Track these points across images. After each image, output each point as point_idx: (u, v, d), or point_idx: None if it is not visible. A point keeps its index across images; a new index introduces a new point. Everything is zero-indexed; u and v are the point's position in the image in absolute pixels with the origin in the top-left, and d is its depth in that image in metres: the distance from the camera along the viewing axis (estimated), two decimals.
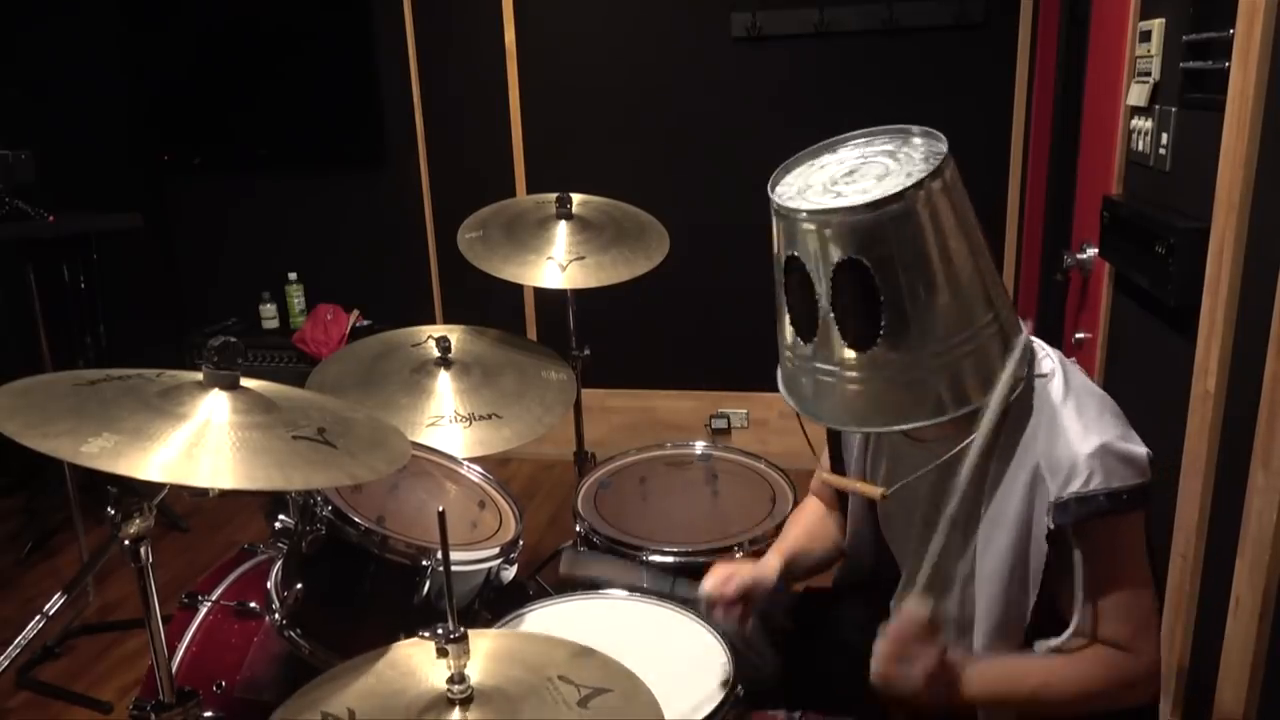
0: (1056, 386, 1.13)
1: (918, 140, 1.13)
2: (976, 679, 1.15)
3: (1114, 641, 1.13)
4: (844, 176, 1.11)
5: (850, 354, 1.09)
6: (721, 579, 1.41)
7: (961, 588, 1.24)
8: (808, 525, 1.55)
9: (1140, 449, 1.11)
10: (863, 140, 1.17)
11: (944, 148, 1.08)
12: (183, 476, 0.98)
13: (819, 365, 1.12)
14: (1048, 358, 1.17)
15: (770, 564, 1.45)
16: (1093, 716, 1.17)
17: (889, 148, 1.13)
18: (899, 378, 1.08)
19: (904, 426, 1.12)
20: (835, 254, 1.05)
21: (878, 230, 1.03)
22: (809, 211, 1.06)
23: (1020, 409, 1.14)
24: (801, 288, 1.10)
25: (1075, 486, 1.07)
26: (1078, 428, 1.09)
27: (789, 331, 1.16)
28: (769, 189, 1.15)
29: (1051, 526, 1.08)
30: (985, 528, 1.17)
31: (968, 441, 1.11)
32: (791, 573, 1.47)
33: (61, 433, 0.97)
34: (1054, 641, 1.14)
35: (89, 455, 0.95)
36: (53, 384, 1.10)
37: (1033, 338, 1.20)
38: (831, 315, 1.08)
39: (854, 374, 1.10)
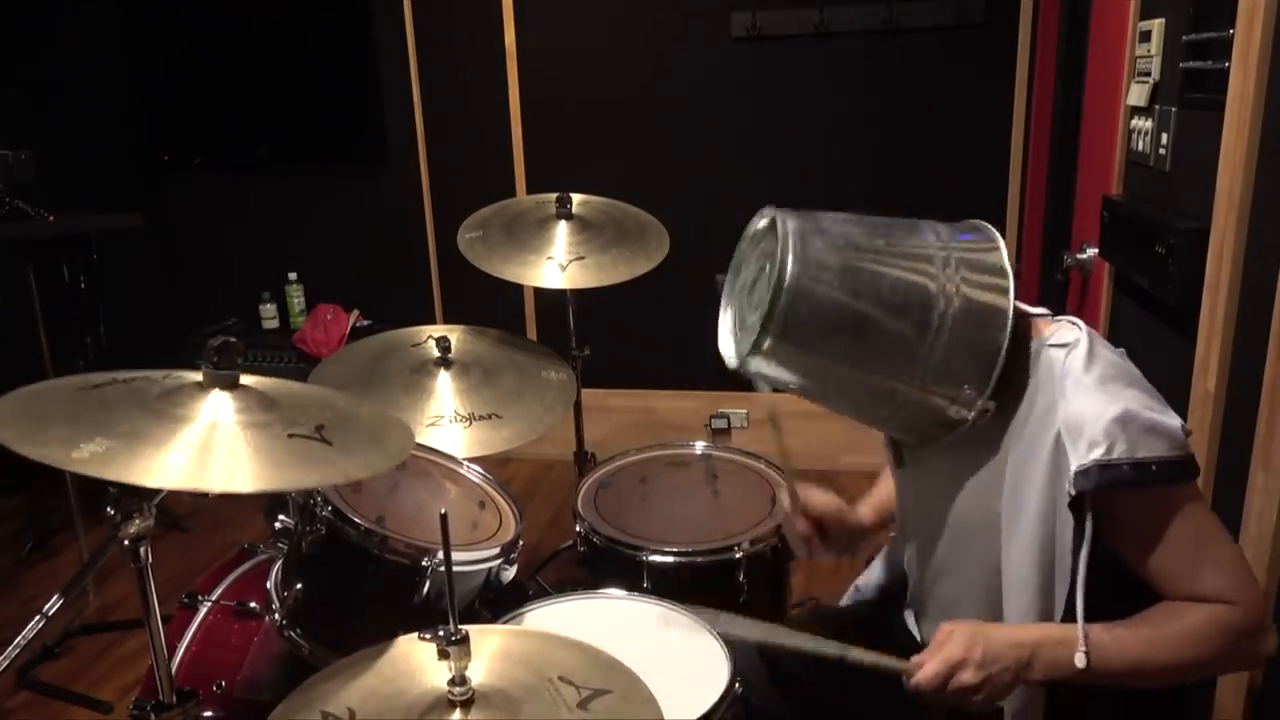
0: (1079, 355, 1.09)
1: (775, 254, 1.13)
2: (1059, 662, 1.06)
3: (1215, 596, 1.05)
4: (751, 291, 1.21)
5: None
6: (825, 503, 1.45)
7: (988, 574, 1.20)
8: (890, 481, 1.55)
9: (1170, 420, 1.05)
10: (758, 241, 1.24)
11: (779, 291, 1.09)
12: (173, 482, 0.98)
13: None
14: (1074, 329, 1.13)
15: (860, 511, 1.49)
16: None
17: (768, 261, 1.16)
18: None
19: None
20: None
21: (762, 374, 1.16)
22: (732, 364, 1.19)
23: (1040, 378, 1.11)
24: None
25: (1096, 454, 1.03)
26: (1099, 395, 1.05)
27: None
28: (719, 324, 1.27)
29: (1073, 493, 1.04)
30: (1009, 505, 1.14)
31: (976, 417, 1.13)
32: (880, 522, 1.51)
33: (54, 439, 0.97)
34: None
35: (80, 461, 0.95)
36: (57, 389, 1.10)
37: (1065, 316, 1.17)
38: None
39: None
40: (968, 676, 1.07)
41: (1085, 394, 1.06)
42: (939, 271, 1.10)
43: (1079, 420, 1.05)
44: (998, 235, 1.17)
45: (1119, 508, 1.06)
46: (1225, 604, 1.05)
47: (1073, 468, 1.05)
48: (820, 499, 1.45)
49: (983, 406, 1.11)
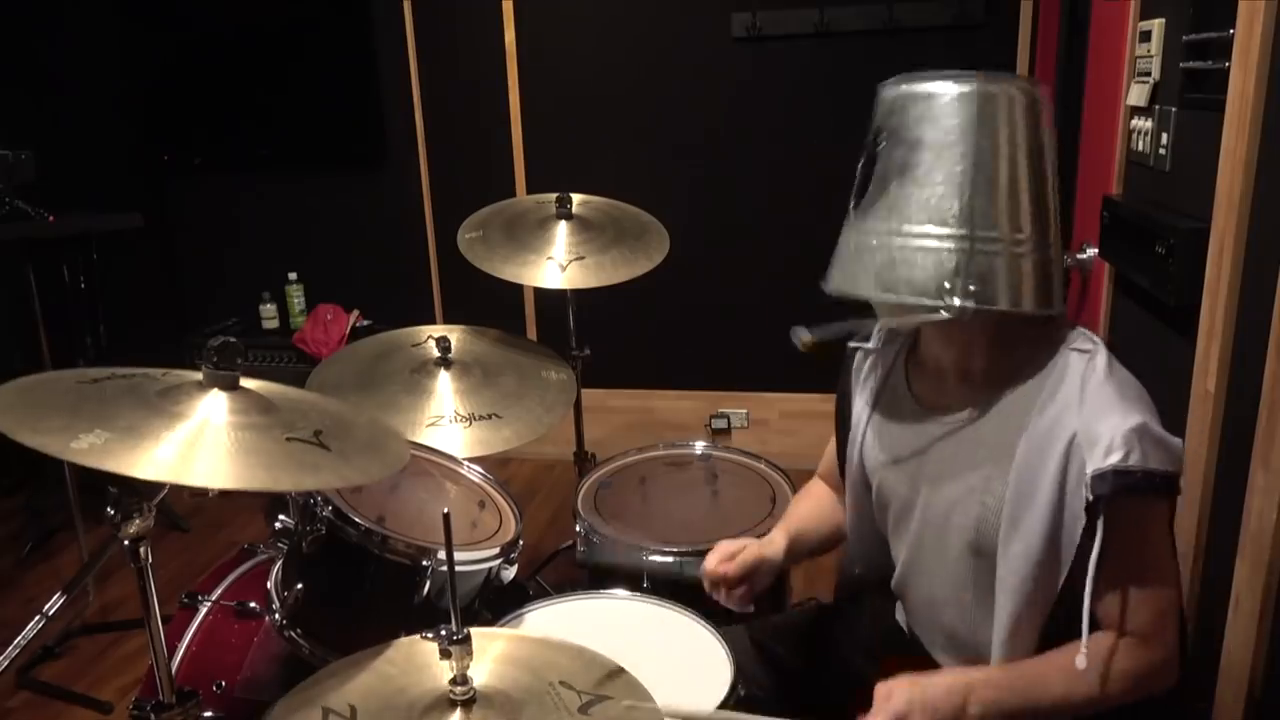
0: (1099, 364, 1.12)
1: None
2: (991, 702, 1.11)
3: (1136, 632, 1.11)
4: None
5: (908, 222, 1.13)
6: (724, 555, 1.40)
7: (973, 568, 1.21)
8: (812, 504, 1.54)
9: (1175, 439, 1.10)
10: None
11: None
12: (173, 475, 0.98)
13: (891, 234, 1.15)
14: (1090, 339, 1.16)
15: (776, 542, 1.44)
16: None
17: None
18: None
19: (888, 299, 1.15)
20: (937, 132, 1.13)
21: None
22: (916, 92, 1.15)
23: (1062, 377, 1.13)
24: (896, 154, 1.17)
25: (1115, 459, 1.05)
26: (1119, 404, 1.08)
27: (867, 211, 1.19)
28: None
29: (1090, 498, 1.06)
30: (1013, 502, 1.14)
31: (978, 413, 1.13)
32: (796, 551, 1.46)
33: (53, 429, 0.98)
34: (1079, 660, 1.11)
35: (78, 451, 0.95)
36: (56, 381, 1.10)
37: (1082, 328, 1.19)
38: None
39: (871, 234, 1.16)
40: None
41: (1106, 402, 1.09)
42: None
43: (1099, 427, 1.07)
44: None
45: (1115, 515, 1.08)
46: (1138, 638, 1.11)
47: (1089, 471, 1.06)
48: (739, 562, 1.40)
49: (1059, 310, 1.14)
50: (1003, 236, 1.10)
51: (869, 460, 1.36)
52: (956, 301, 1.10)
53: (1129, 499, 1.06)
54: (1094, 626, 1.11)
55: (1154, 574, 1.11)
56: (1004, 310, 1.11)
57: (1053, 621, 1.14)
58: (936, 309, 1.11)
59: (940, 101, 1.12)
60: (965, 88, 1.10)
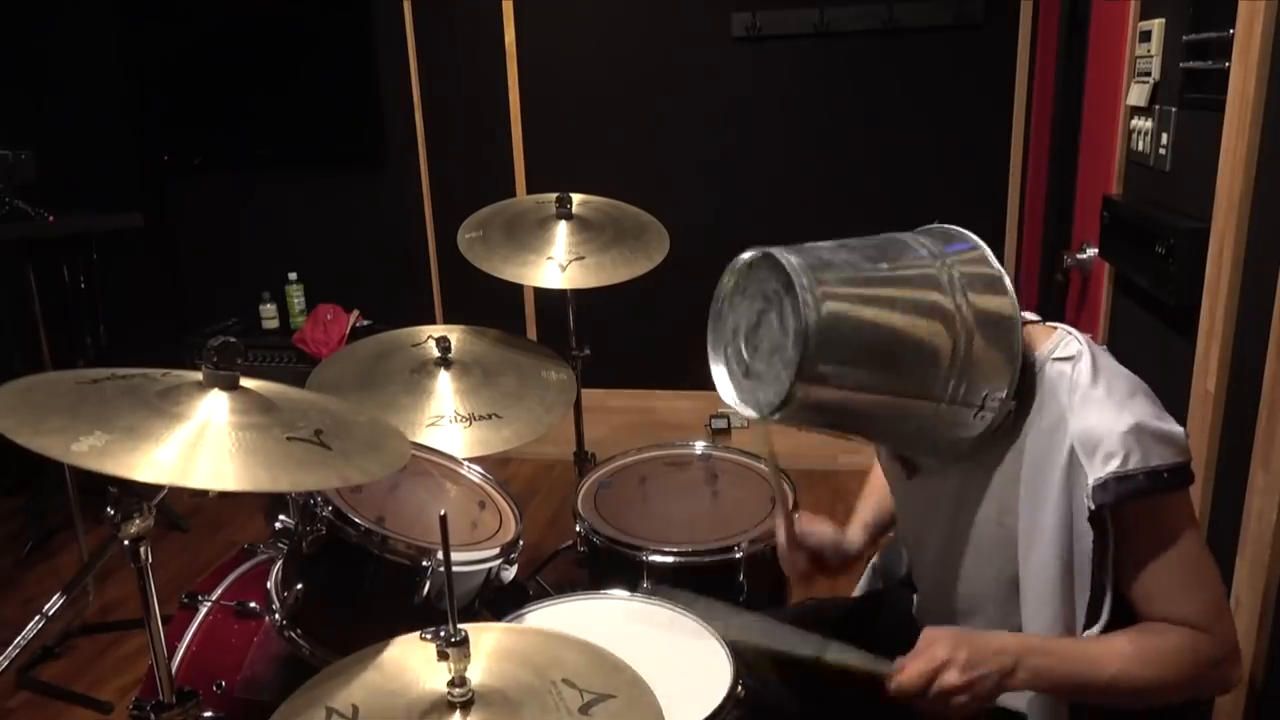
0: (1084, 368, 1.10)
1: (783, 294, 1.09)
2: (1042, 671, 1.08)
3: (1189, 621, 1.08)
4: (748, 331, 1.16)
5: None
6: (806, 528, 1.43)
7: (1002, 589, 1.20)
8: (880, 490, 1.53)
9: (1176, 428, 1.07)
10: (749, 280, 1.17)
11: (809, 317, 1.03)
12: (173, 477, 0.98)
13: None
14: (1074, 341, 1.14)
15: (854, 537, 1.47)
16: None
17: (776, 287, 1.10)
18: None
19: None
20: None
21: (788, 416, 1.09)
22: (735, 409, 1.15)
23: (1048, 393, 1.12)
24: None
25: (1114, 466, 1.04)
26: (1110, 407, 1.06)
27: None
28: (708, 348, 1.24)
29: (1093, 507, 1.05)
30: (1026, 520, 1.14)
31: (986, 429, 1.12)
32: (870, 541, 1.50)
33: (53, 430, 0.98)
34: (1097, 627, 1.10)
35: (79, 454, 0.95)
36: (55, 382, 1.10)
37: (1061, 325, 1.18)
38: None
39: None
40: (951, 678, 1.07)
41: (1096, 407, 1.07)
42: (946, 285, 1.09)
43: (1093, 434, 1.06)
44: (977, 239, 1.17)
45: (1131, 518, 1.07)
46: (1198, 630, 1.07)
47: (1089, 481, 1.05)
48: (818, 532, 1.43)
49: (1005, 408, 1.11)
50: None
51: (890, 480, 1.39)
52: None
53: (1138, 501, 1.05)
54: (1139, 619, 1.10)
55: (1191, 565, 1.08)
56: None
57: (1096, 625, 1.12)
58: None
59: None
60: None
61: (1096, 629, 1.11)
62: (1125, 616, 1.11)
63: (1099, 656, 1.09)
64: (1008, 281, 1.13)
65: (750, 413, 1.11)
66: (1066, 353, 1.13)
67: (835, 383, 1.06)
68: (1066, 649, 1.11)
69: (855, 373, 1.06)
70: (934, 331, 1.08)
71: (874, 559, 1.58)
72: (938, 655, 1.08)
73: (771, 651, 1.21)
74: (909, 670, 1.09)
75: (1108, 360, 1.13)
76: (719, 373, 1.19)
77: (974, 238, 1.17)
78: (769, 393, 1.07)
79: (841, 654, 1.17)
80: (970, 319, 1.09)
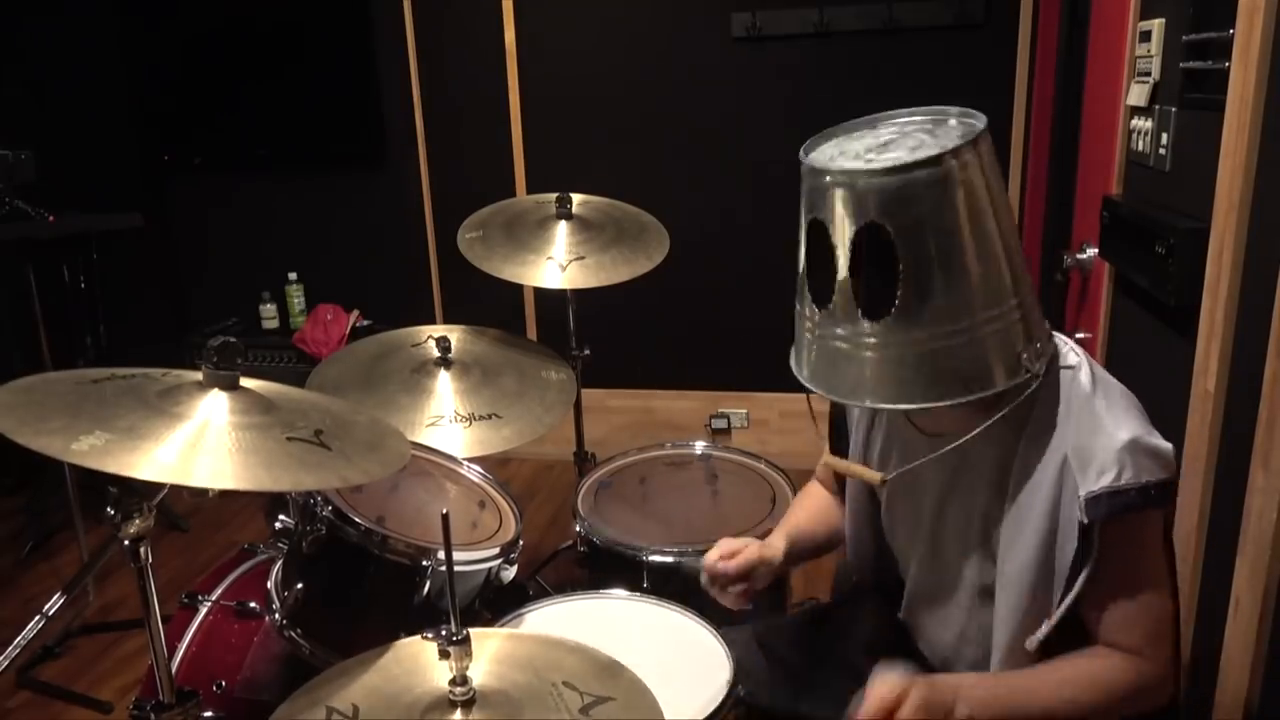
0: (1085, 378, 1.10)
1: (954, 122, 1.12)
2: (978, 703, 1.11)
3: (1127, 647, 1.10)
4: (879, 146, 1.09)
5: (865, 324, 1.06)
6: (725, 552, 1.40)
7: (978, 591, 1.21)
8: (811, 508, 1.54)
9: (1165, 444, 1.08)
10: (901, 119, 1.17)
11: (981, 124, 1.06)
12: (174, 476, 0.98)
13: (835, 333, 1.09)
14: (1072, 351, 1.15)
15: (775, 545, 1.44)
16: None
17: (927, 125, 1.12)
18: (911, 353, 1.05)
19: (912, 406, 1.09)
20: (859, 218, 1.03)
21: (904, 195, 1.01)
22: (837, 171, 1.04)
23: (1046, 399, 1.11)
24: (822, 253, 1.07)
25: (1107, 480, 1.04)
26: (1109, 421, 1.07)
27: (807, 299, 1.13)
28: (800, 152, 1.13)
29: (1085, 521, 1.05)
30: (1009, 524, 1.14)
31: (982, 428, 1.09)
32: (796, 553, 1.46)
33: (54, 430, 0.98)
34: (1042, 631, 1.12)
35: (79, 453, 0.95)
36: (56, 382, 1.10)
37: (1058, 334, 1.18)
38: (849, 282, 1.06)
39: (867, 345, 1.07)
40: (905, 713, 1.08)
41: (1093, 420, 1.08)
42: None
43: (1089, 447, 1.06)
44: None
45: (1111, 531, 1.08)
46: (1139, 656, 1.10)
47: (1082, 494, 1.05)
48: (740, 560, 1.39)
49: (1035, 375, 1.09)
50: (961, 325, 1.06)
51: (854, 495, 1.38)
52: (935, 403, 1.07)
53: (1125, 516, 1.05)
54: (1088, 641, 1.12)
55: (1151, 588, 1.11)
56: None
57: (1058, 637, 1.13)
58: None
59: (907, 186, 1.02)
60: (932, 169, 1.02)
61: (1042, 631, 1.12)
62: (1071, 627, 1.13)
63: (1033, 686, 1.13)
64: None
65: (888, 163, 1.02)
66: (1067, 362, 1.13)
67: (985, 179, 1.04)
68: (1001, 681, 1.15)
69: (994, 194, 1.05)
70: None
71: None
72: (885, 695, 1.09)
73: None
74: (865, 706, 1.10)
75: (1103, 373, 1.13)
76: (828, 149, 1.12)
77: None
78: (926, 150, 1.03)
79: None
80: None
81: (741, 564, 1.38)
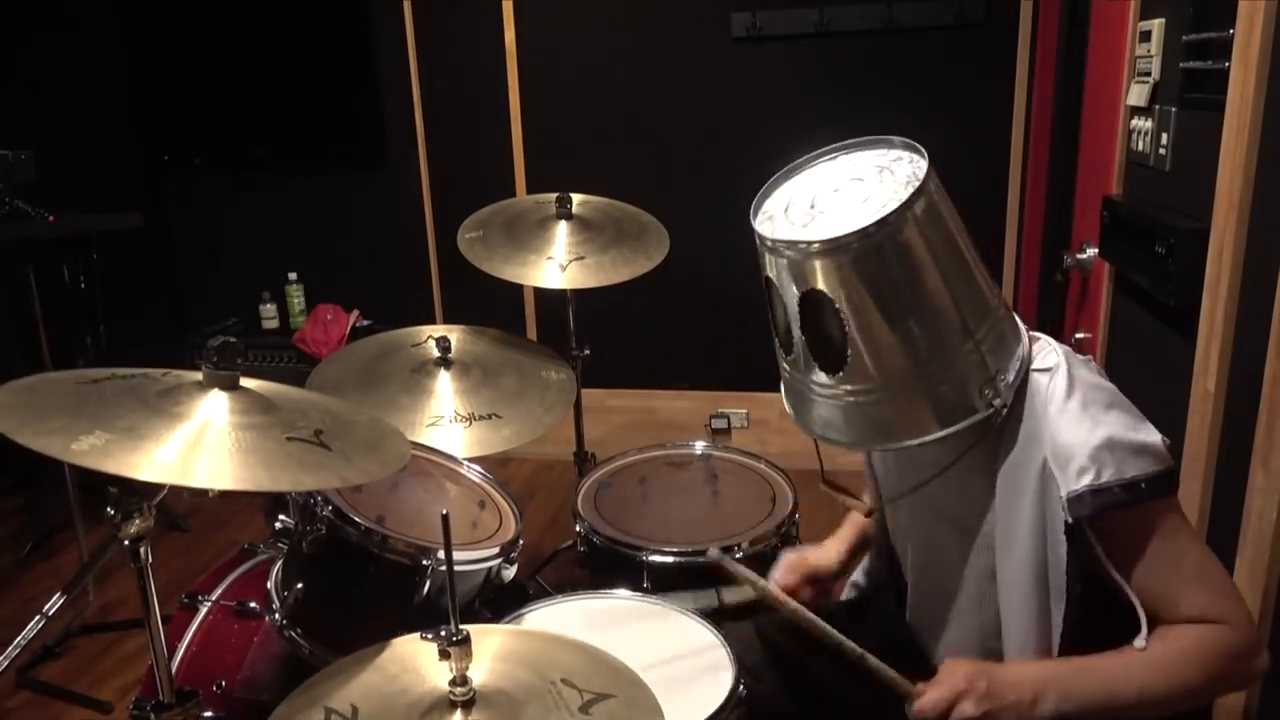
0: (1060, 381, 1.10)
1: (901, 154, 1.12)
2: (1066, 698, 1.07)
3: (1202, 617, 1.07)
4: (830, 193, 1.12)
5: (823, 375, 1.11)
6: (786, 569, 1.45)
7: (982, 601, 1.21)
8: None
9: (1152, 437, 1.07)
10: (853, 152, 1.18)
11: (924, 168, 1.06)
12: (173, 476, 0.98)
13: (800, 379, 1.15)
14: (1052, 352, 1.14)
15: (830, 551, 1.49)
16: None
17: (879, 162, 1.13)
18: (868, 400, 1.10)
19: (890, 447, 1.14)
20: (800, 284, 1.07)
21: (842, 266, 1.04)
22: (779, 241, 1.08)
23: (1020, 406, 1.12)
24: (777, 308, 1.12)
25: (1087, 480, 1.04)
26: (1084, 421, 1.07)
27: (777, 345, 1.18)
28: (752, 206, 1.16)
29: (1069, 520, 1.06)
30: (1002, 532, 1.15)
31: (954, 459, 1.11)
32: (855, 556, 1.51)
33: (54, 430, 0.98)
34: (1139, 641, 1.08)
35: (79, 453, 0.95)
36: (56, 382, 1.10)
37: (1037, 334, 1.19)
38: (802, 339, 1.11)
39: (834, 394, 1.12)
40: (969, 708, 1.07)
41: (1071, 421, 1.08)
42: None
43: (1066, 448, 1.07)
44: None
45: (1112, 529, 1.07)
46: (1216, 624, 1.06)
47: (1063, 494, 1.06)
48: (800, 578, 1.44)
49: (1004, 399, 1.10)
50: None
51: (883, 488, 1.39)
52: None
53: (1121, 513, 1.05)
54: (1154, 625, 1.09)
55: (1191, 564, 1.08)
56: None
57: (1088, 635, 1.12)
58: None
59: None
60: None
61: (1140, 640, 1.09)
62: (1124, 622, 1.10)
63: (1119, 671, 1.08)
64: None
65: (814, 235, 1.05)
66: (1045, 364, 1.13)
67: (923, 237, 1.04)
68: (1088, 673, 1.10)
69: (936, 247, 1.06)
70: (988, 278, 1.11)
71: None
72: (957, 685, 1.09)
73: (823, 638, 1.20)
74: (928, 696, 1.10)
75: (1084, 372, 1.12)
76: (772, 216, 1.14)
77: None
78: (861, 216, 1.03)
79: (877, 664, 1.17)
80: (1002, 311, 1.13)
81: (801, 577, 1.44)
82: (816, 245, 1.04)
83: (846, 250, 1.03)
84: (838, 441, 1.15)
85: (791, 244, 1.06)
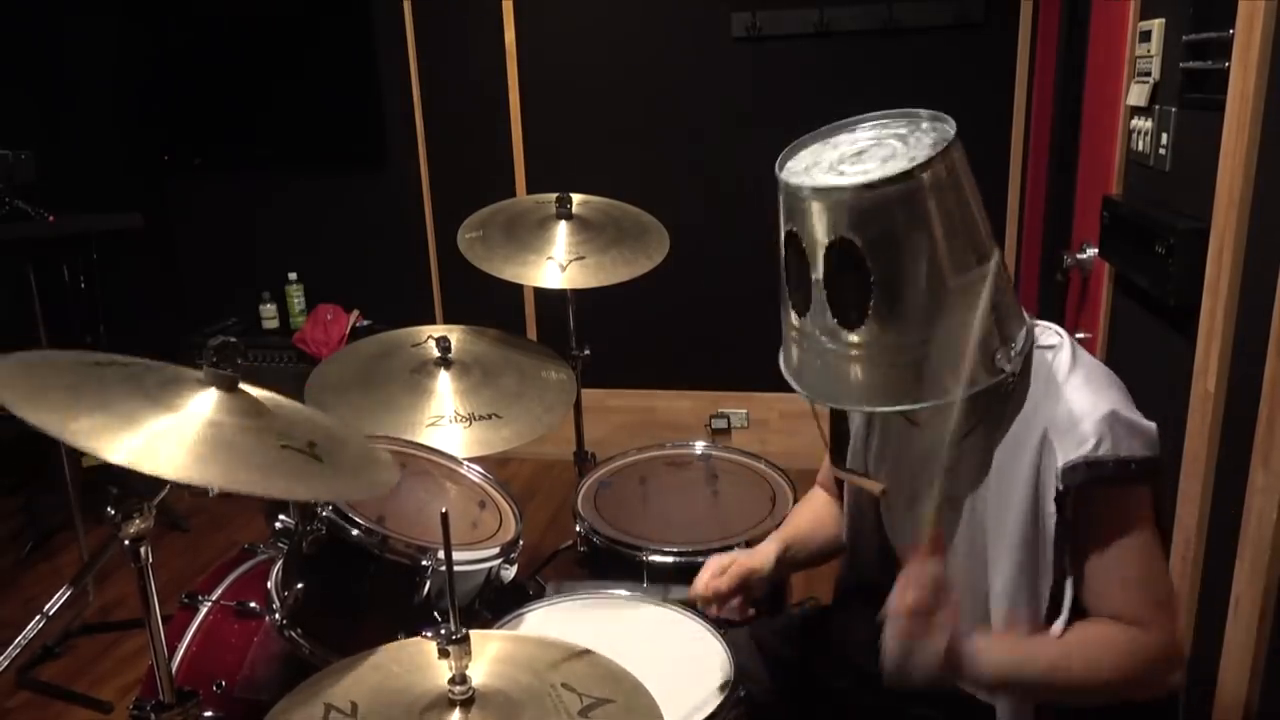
0: (1064, 357, 1.12)
1: (926, 125, 1.13)
2: (986, 658, 1.09)
3: (1127, 617, 1.08)
4: (852, 156, 1.11)
5: (841, 332, 1.09)
6: (714, 571, 1.41)
7: (972, 576, 1.20)
8: (811, 513, 1.54)
9: (1148, 422, 1.08)
10: (876, 123, 1.18)
11: (951, 130, 1.07)
12: (170, 471, 0.98)
13: (813, 339, 1.12)
14: (1054, 333, 1.16)
15: (766, 551, 1.45)
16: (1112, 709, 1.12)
17: (901, 131, 1.13)
18: (891, 359, 1.08)
19: (902, 408, 1.11)
20: (831, 232, 1.05)
21: (874, 211, 1.03)
22: (809, 188, 1.06)
23: (1024, 380, 1.12)
24: (799, 262, 1.10)
25: (1085, 450, 1.05)
26: (1087, 394, 1.08)
27: (788, 304, 1.15)
28: (777, 163, 1.15)
29: (1060, 488, 1.06)
30: (995, 505, 1.15)
31: (960, 428, 1.09)
32: (790, 559, 1.47)
33: (52, 407, 0.98)
34: (1061, 621, 1.10)
35: (76, 432, 0.95)
36: (58, 360, 1.10)
37: (1038, 320, 1.19)
38: (824, 292, 1.08)
39: (849, 351, 1.09)
40: (912, 595, 1.06)
41: (1074, 392, 1.08)
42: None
43: (1068, 417, 1.07)
44: None
45: (1092, 505, 1.07)
46: (1131, 625, 1.08)
47: (1060, 463, 1.06)
48: (730, 576, 1.41)
49: (1013, 368, 1.10)
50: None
51: (874, 475, 1.37)
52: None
53: (1106, 489, 1.05)
54: (1087, 615, 1.10)
55: (1142, 561, 1.09)
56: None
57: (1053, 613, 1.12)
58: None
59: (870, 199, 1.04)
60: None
61: (1060, 623, 1.10)
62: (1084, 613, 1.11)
63: (1034, 646, 1.11)
64: None
65: (840, 180, 1.05)
66: (1047, 342, 1.15)
67: (949, 194, 1.05)
68: (1000, 640, 1.13)
69: (961, 203, 1.07)
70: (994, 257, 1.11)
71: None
72: (910, 574, 1.08)
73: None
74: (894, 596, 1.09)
75: (1084, 354, 1.14)
76: (797, 172, 1.12)
77: None
78: (898, 160, 1.04)
79: None
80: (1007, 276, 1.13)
81: (733, 579, 1.39)
82: (864, 185, 1.03)
83: (887, 193, 1.02)
84: (842, 404, 1.14)
85: (831, 189, 1.04)
